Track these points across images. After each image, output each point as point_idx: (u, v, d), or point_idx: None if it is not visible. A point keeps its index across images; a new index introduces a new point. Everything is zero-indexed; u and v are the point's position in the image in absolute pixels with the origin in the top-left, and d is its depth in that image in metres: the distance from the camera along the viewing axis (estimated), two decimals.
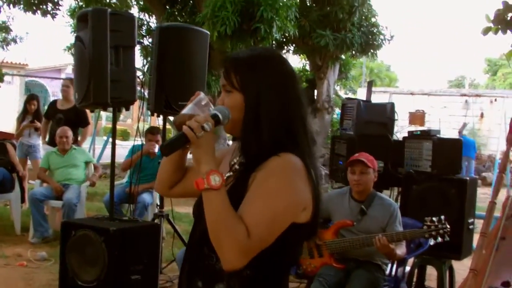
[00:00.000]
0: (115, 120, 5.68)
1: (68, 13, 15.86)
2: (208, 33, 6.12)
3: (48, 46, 74.78)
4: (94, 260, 5.24)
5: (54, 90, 29.20)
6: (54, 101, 10.20)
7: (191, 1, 13.56)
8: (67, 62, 32.20)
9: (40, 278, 6.66)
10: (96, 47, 5.19)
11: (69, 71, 32.85)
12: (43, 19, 15.19)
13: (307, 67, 18.31)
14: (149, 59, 13.23)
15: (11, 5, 14.51)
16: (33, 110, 10.39)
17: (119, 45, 5.30)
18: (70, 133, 8.67)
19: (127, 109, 5.52)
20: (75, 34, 5.66)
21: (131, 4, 17.03)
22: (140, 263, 5.35)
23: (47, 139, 10.09)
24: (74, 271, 5.36)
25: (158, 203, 6.88)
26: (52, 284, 6.30)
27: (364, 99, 7.76)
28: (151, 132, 8.10)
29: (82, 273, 5.33)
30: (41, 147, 10.41)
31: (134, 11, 16.75)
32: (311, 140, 2.23)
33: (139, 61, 15.14)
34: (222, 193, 1.99)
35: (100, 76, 5.18)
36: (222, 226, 1.95)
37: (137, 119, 6.41)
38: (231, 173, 2.28)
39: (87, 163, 8.86)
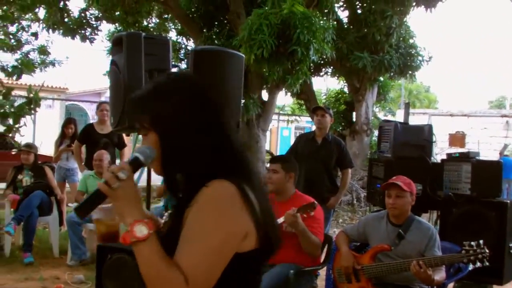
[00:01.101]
0: None
1: (107, 38, 16.09)
2: (243, 56, 6.09)
3: (88, 70, 75.68)
4: (130, 284, 5.20)
5: (94, 114, 29.53)
6: (91, 125, 10.09)
7: (228, 25, 13.64)
8: (106, 85, 32.55)
9: None
10: (131, 71, 5.19)
11: (108, 94, 33.12)
12: (83, 44, 15.40)
13: (345, 89, 18.30)
14: None
15: (50, 30, 14.73)
16: (70, 134, 10.45)
17: (153, 69, 5.29)
18: (106, 156, 8.70)
19: None
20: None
21: (168, 28, 17.20)
22: None
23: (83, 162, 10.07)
24: None
25: None
26: None
27: (402, 121, 7.69)
28: None
29: None
30: (79, 171, 10.41)
31: (172, 34, 16.93)
32: (245, 160, 2.09)
33: None
34: (152, 242, 1.88)
35: None
36: (156, 278, 1.84)
37: None
38: (168, 213, 2.18)
39: None
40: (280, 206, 5.16)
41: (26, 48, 16.49)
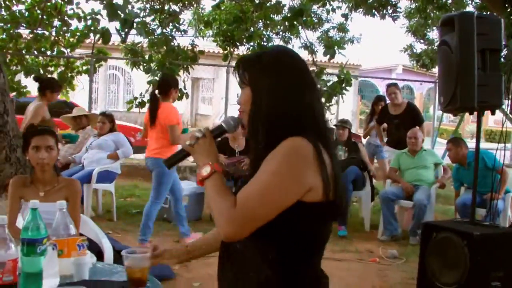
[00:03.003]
0: (479, 124, 5.62)
1: (404, 15, 16.16)
2: None
3: (380, 47, 76.25)
4: (454, 263, 5.24)
5: (384, 90, 29.90)
6: (386, 106, 10.54)
7: None
8: (398, 62, 32.73)
9: (393, 276, 6.82)
10: (463, 51, 5.21)
11: (399, 71, 33.32)
12: (380, 21, 15.60)
13: None
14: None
15: (352, 10, 15.14)
16: (379, 111, 10.68)
17: (485, 49, 5.24)
18: (419, 133, 8.81)
19: (493, 113, 5.47)
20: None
21: (466, 3, 16.75)
22: (500, 269, 5.24)
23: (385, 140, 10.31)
24: (434, 272, 5.41)
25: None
26: (407, 282, 6.46)
27: None
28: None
29: (441, 275, 5.35)
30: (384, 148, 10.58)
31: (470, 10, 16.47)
32: (322, 125, 2.28)
33: None
34: (214, 180, 2.20)
35: (467, 81, 5.19)
36: (213, 203, 2.16)
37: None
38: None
39: (436, 165, 8.92)
40: None
41: (326, 26, 17.03)
